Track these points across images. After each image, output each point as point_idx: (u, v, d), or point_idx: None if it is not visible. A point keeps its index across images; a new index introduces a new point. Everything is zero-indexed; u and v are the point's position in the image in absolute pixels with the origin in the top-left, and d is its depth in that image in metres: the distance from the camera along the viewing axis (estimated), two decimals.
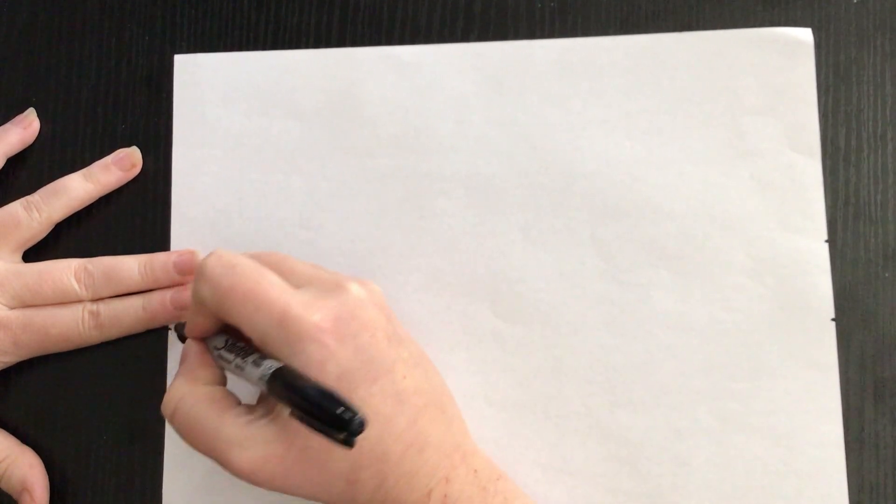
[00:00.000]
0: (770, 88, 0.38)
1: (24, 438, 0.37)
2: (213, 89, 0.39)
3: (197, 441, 0.31)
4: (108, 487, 0.37)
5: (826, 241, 0.37)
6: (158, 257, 0.37)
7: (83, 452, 0.38)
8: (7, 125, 0.39)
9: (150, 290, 0.37)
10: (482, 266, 0.38)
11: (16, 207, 0.37)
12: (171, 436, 0.37)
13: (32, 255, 0.38)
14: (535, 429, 0.36)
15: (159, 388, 0.38)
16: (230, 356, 0.33)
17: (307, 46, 0.40)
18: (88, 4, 0.41)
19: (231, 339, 0.34)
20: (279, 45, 0.40)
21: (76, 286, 0.36)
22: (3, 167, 0.39)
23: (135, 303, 0.37)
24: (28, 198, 0.38)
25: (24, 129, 0.39)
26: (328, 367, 0.30)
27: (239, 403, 0.32)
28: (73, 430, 0.38)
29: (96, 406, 0.38)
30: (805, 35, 0.38)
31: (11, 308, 0.36)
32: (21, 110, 0.40)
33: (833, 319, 0.37)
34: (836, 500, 0.35)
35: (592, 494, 0.36)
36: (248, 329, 0.31)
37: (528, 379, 0.37)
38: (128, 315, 0.37)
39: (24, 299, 0.36)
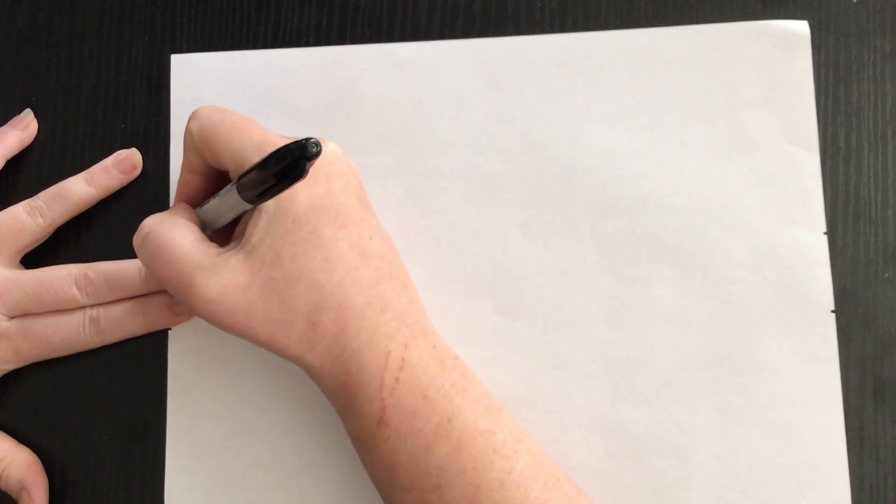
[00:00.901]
0: (767, 81, 0.38)
1: (24, 438, 0.37)
2: (210, 89, 0.39)
3: (163, 265, 0.31)
4: (108, 487, 0.37)
5: (825, 233, 0.37)
6: None
7: (83, 452, 0.38)
8: (5, 127, 0.39)
9: (150, 294, 0.37)
10: (482, 262, 0.38)
11: (19, 212, 0.37)
12: (172, 435, 0.37)
13: (30, 257, 0.38)
14: (537, 425, 0.36)
15: (159, 388, 0.38)
16: (210, 199, 0.34)
17: (307, 46, 0.40)
18: (88, 4, 0.41)
19: None
20: (279, 45, 0.40)
21: (77, 294, 0.36)
22: (3, 168, 0.39)
23: (135, 308, 0.37)
24: (30, 202, 0.37)
25: (22, 131, 0.39)
26: (300, 195, 0.31)
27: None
28: (73, 430, 0.38)
29: (96, 406, 0.38)
30: (801, 27, 0.38)
31: (11, 318, 0.36)
32: (21, 110, 0.40)
33: (833, 311, 0.37)
34: (838, 491, 0.35)
35: (595, 490, 0.36)
36: (229, 154, 0.32)
37: (529, 375, 0.37)
38: (128, 321, 0.37)
39: (25, 308, 0.36)
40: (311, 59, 0.39)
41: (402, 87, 0.39)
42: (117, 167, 0.38)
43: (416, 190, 0.38)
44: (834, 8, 0.39)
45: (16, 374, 0.38)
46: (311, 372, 0.32)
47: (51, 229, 0.38)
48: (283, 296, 0.31)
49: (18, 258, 0.38)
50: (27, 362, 0.37)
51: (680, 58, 0.38)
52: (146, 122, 0.40)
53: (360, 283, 0.31)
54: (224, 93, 0.39)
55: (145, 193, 0.39)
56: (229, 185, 0.32)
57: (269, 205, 0.31)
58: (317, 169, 0.31)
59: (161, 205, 0.39)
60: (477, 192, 0.38)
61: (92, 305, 0.37)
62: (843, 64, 0.39)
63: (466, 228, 0.38)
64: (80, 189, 0.38)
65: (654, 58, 0.38)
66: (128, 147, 0.39)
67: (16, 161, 0.39)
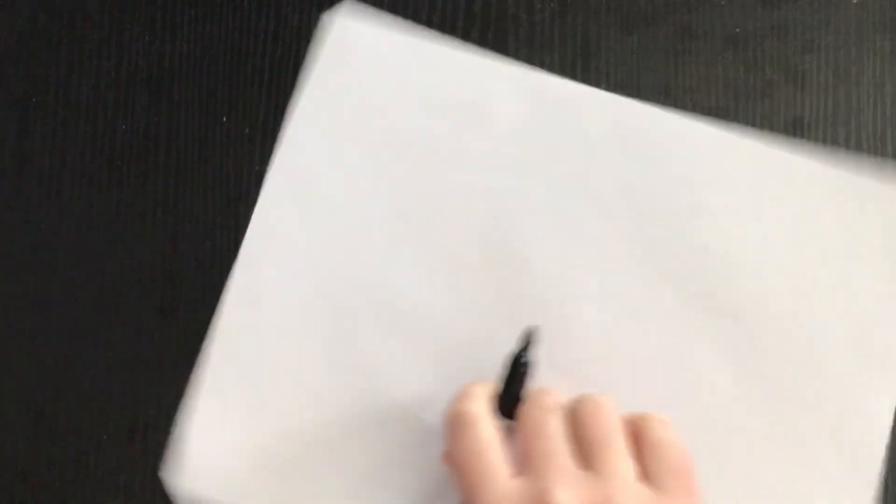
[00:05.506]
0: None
1: (25, 439, 0.38)
2: (359, 65, 0.38)
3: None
4: (109, 487, 0.37)
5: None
6: None
7: (83, 452, 0.38)
8: None
9: None
10: None
11: None
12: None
13: (31, 257, 0.38)
14: None
15: (159, 388, 0.38)
16: None
17: (307, 47, 0.40)
18: (88, 4, 0.41)
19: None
20: (279, 45, 0.40)
21: None
22: (3, 166, 0.38)
23: None
24: None
25: None
26: None
27: None
28: (73, 430, 0.38)
29: (96, 406, 0.38)
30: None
31: None
32: (21, 110, 0.40)
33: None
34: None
35: None
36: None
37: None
38: None
39: None
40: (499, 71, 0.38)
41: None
42: None
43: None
44: (834, 8, 0.39)
45: (16, 374, 0.38)
46: None
47: None
48: None
49: None
50: None
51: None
52: (146, 122, 0.40)
53: None
54: (379, 74, 0.38)
55: (145, 195, 0.39)
56: None
57: None
58: None
59: (161, 206, 0.39)
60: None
61: None
62: (842, 64, 0.39)
63: None
64: None
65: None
66: (127, 148, 0.39)
67: (15, 159, 0.39)
